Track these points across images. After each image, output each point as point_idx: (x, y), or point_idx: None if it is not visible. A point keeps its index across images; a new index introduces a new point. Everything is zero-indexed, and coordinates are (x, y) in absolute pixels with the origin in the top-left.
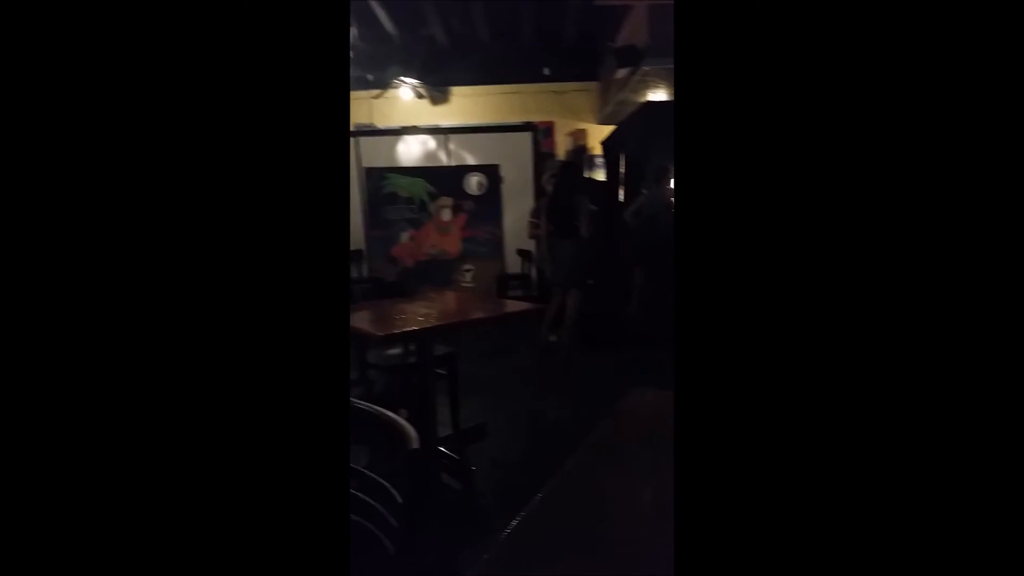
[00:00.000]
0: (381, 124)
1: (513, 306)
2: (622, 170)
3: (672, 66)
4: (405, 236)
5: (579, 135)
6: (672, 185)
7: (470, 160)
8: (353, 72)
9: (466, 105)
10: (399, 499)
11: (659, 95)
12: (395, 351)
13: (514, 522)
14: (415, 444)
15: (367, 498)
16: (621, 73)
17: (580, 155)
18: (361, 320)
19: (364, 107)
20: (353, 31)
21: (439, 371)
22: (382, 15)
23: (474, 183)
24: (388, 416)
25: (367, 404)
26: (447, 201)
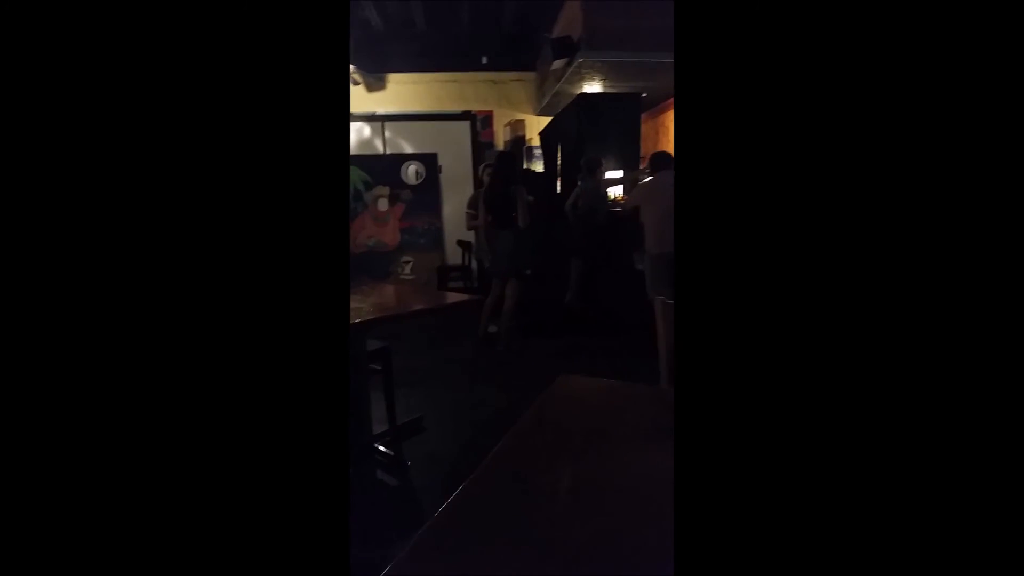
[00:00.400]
0: None
1: (453, 298)
2: (560, 161)
3: (605, 59)
4: None
5: (517, 125)
6: (605, 176)
7: (407, 148)
8: None
9: (403, 92)
10: None
11: (594, 87)
12: None
13: (434, 516)
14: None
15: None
16: (557, 64)
17: (518, 145)
18: None
19: None
20: None
21: (373, 366)
22: None
23: (412, 172)
24: None
25: None
26: (384, 191)
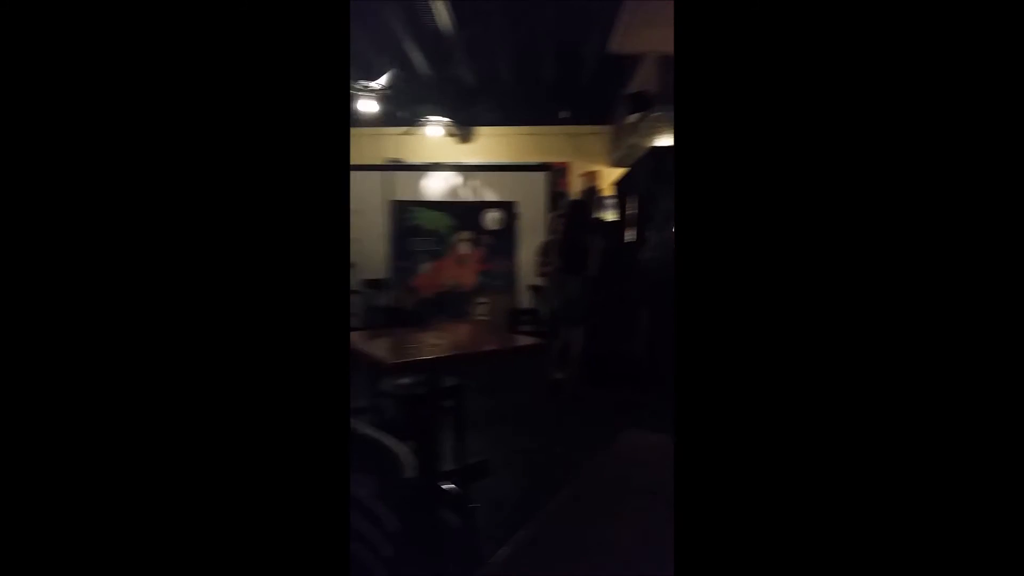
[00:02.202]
0: (410, 160)
1: (522, 340)
2: (632, 211)
3: None
4: (426, 267)
5: (591, 176)
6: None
7: (489, 196)
8: (385, 109)
9: (488, 144)
10: (392, 527)
11: (667, 140)
12: (406, 380)
13: (488, 563)
14: (410, 473)
15: (362, 524)
16: (632, 118)
17: (591, 195)
18: (376, 347)
19: (394, 143)
20: (378, 69)
21: (446, 403)
22: (416, 55)
23: (492, 219)
24: (387, 442)
25: (370, 429)
26: (466, 235)
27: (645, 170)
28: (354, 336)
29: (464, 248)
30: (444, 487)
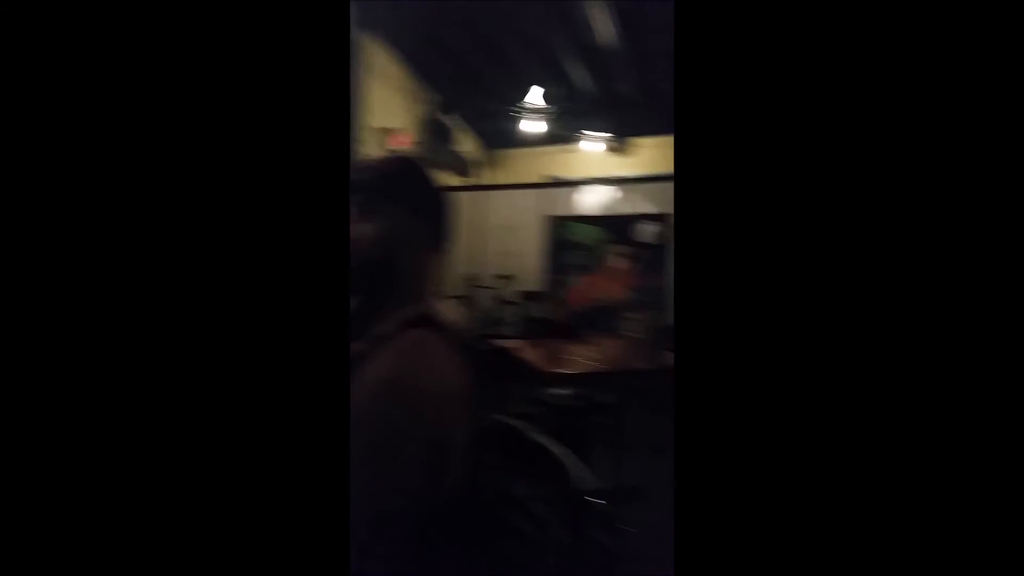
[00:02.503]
0: (567, 176)
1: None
2: None
3: None
4: (578, 281)
5: None
6: None
7: (644, 209)
8: (545, 127)
9: (647, 155)
10: (559, 537)
11: None
12: (562, 391)
13: None
14: (580, 484)
15: (527, 528)
16: None
17: None
18: (532, 356)
19: (553, 160)
20: (539, 90)
21: (602, 419)
22: (576, 71)
23: (645, 232)
24: (554, 450)
25: (538, 434)
26: (619, 249)
27: None
28: (511, 344)
29: (615, 262)
30: (595, 503)
